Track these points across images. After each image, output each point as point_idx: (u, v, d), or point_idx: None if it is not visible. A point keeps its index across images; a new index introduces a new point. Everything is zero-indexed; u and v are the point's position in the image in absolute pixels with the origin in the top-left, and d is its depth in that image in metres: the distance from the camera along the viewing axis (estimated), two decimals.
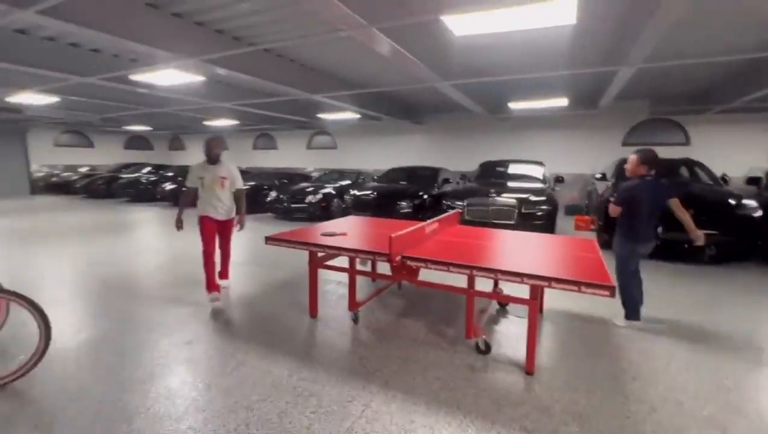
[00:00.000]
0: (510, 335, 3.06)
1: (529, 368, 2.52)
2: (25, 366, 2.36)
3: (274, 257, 5.27)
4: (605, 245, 6.04)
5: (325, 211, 8.60)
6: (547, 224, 5.95)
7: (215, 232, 3.81)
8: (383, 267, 3.17)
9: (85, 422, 2.02)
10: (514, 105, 8.76)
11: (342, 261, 3.23)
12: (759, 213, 5.33)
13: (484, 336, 2.78)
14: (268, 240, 3.29)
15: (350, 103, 8.70)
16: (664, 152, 9.56)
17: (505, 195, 6.24)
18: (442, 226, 3.66)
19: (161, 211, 10.69)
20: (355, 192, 8.07)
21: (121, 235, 7.19)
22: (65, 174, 15.62)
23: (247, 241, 6.64)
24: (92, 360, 2.66)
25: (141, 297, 3.92)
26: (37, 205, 12.07)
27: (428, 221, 3.28)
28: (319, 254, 3.25)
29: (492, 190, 6.39)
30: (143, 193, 12.72)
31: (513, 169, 8.04)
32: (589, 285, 2.14)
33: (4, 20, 3.92)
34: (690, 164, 7.09)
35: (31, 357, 2.36)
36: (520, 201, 5.97)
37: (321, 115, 11.05)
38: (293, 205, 8.81)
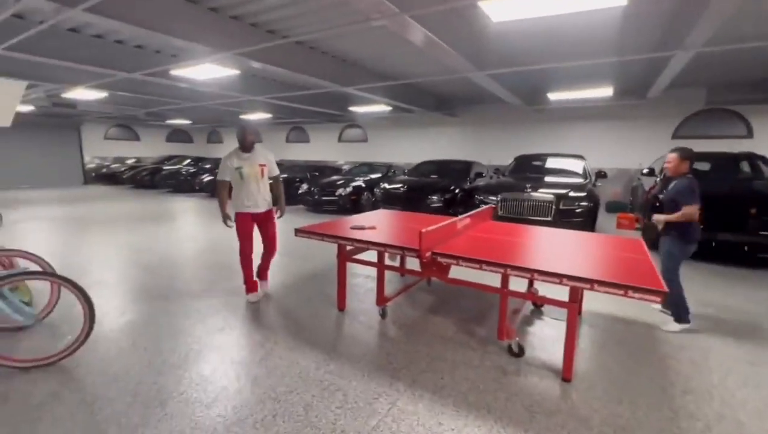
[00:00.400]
0: (545, 338, 2.91)
1: (566, 374, 2.38)
2: (72, 346, 2.50)
3: (305, 249, 5.33)
4: (653, 246, 5.67)
5: (354, 204, 8.62)
6: (586, 221, 5.63)
7: (253, 229, 3.53)
8: (412, 263, 3.10)
9: (124, 402, 2.11)
10: (553, 95, 8.33)
11: (370, 255, 3.19)
12: None
13: (517, 338, 2.65)
14: (298, 232, 3.30)
15: (381, 95, 8.61)
16: (723, 145, 8.91)
17: (541, 190, 5.96)
18: (475, 222, 3.53)
19: (200, 201, 11.15)
20: (385, 185, 8.01)
21: (162, 224, 7.56)
22: (114, 165, 16.64)
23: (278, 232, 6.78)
24: (132, 343, 2.79)
25: (179, 283, 4.08)
26: (88, 194, 12.95)
27: (460, 216, 3.17)
28: (348, 247, 3.23)
29: (528, 185, 6.12)
30: (183, 184, 13.31)
31: (550, 163, 7.66)
32: (637, 289, 1.97)
33: (56, 18, 4.15)
34: (753, 158, 6.46)
35: (77, 338, 2.50)
36: (558, 196, 5.68)
37: (352, 108, 11.05)
38: (324, 198, 8.90)
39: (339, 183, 9.13)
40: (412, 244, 2.63)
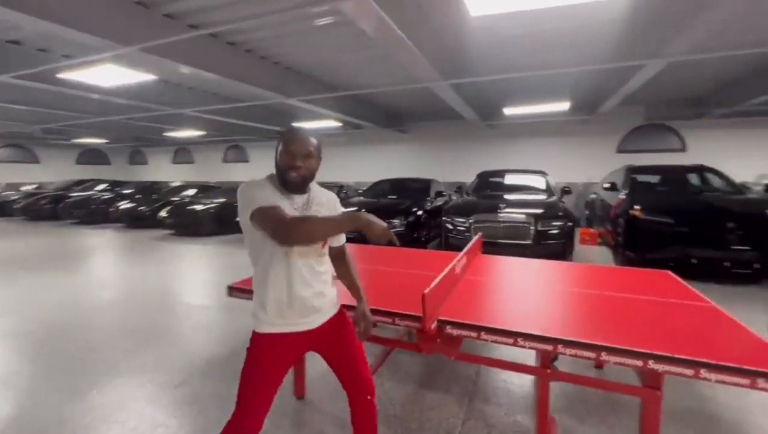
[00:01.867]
0: (598, 428, 2.15)
1: None
2: None
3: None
4: (628, 262, 5.41)
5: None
6: (567, 243, 5.17)
7: (286, 371, 1.45)
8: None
9: None
10: (509, 110, 8.09)
11: None
12: None
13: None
14: (233, 291, 2.27)
15: (329, 108, 7.78)
16: (661, 159, 9.29)
17: (516, 210, 5.43)
18: (469, 259, 2.75)
19: (114, 234, 9.29)
20: None
21: (59, 268, 5.88)
22: (5, 193, 13.79)
23: (207, 273, 5.52)
24: None
25: (85, 360, 2.77)
26: None
27: (457, 257, 2.36)
28: None
29: (501, 205, 5.57)
30: (95, 214, 11.19)
31: (515, 179, 7.29)
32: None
33: None
34: (703, 170, 6.56)
35: None
36: (536, 217, 5.17)
37: (297, 124, 10.06)
38: None
39: None
40: (400, 303, 1.79)
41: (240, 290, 2.24)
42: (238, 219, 1.39)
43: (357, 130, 11.18)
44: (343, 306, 1.62)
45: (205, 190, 11.36)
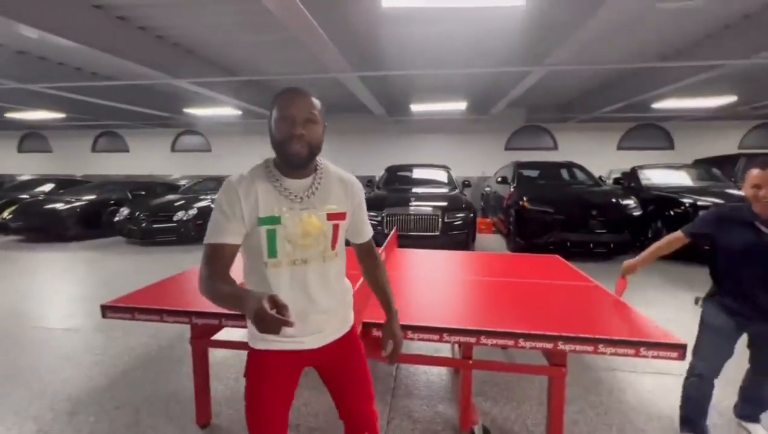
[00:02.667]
0: (510, 406, 2.30)
1: None
2: None
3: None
4: (519, 247, 6.09)
5: (201, 230, 6.75)
6: (470, 233, 5.58)
7: (293, 393, 1.21)
8: None
9: None
10: (415, 106, 8.39)
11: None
12: (639, 212, 5.87)
13: (481, 422, 1.94)
14: (108, 311, 1.84)
15: (227, 94, 7.07)
16: (539, 156, 10.71)
17: (424, 203, 5.66)
18: (387, 254, 2.73)
19: None
20: None
21: None
22: None
23: (73, 287, 4.56)
24: None
25: None
26: None
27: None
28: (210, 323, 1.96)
29: (412, 199, 5.74)
30: None
31: (421, 173, 7.61)
32: (651, 345, 1.49)
33: None
34: (571, 166, 7.72)
35: None
36: (443, 209, 5.46)
37: (189, 110, 8.94)
38: (156, 225, 6.71)
39: (177, 204, 7.07)
40: None
41: (117, 309, 1.82)
42: None
43: (260, 120, 10.43)
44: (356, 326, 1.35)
45: (68, 184, 9.42)
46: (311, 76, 6.13)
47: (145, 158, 13.17)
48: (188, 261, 4.67)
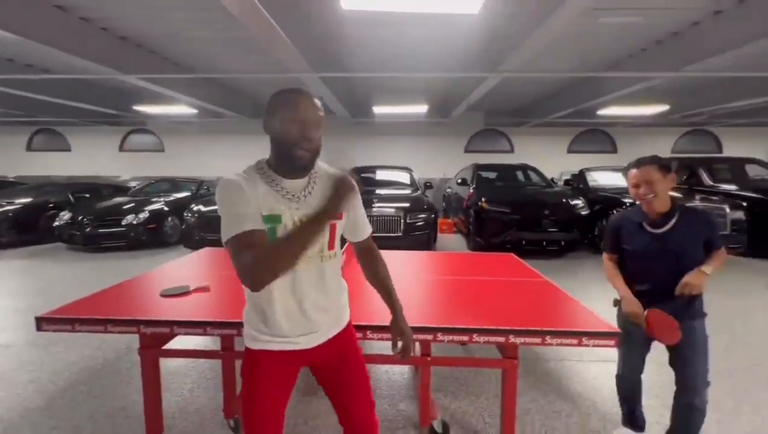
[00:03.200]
0: (469, 400, 2.38)
1: None
2: None
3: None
4: (478, 246, 6.31)
5: (153, 235, 6.41)
6: (431, 233, 5.71)
7: (289, 394, 1.20)
8: None
9: None
10: (378, 109, 8.45)
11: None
12: (586, 211, 6.29)
13: (440, 417, 2.00)
14: (43, 323, 1.70)
15: (182, 92, 6.75)
16: (496, 159, 11.15)
17: (387, 204, 5.72)
18: (349, 256, 2.73)
19: None
20: (200, 207, 6.25)
21: None
22: None
23: (3, 299, 4.16)
24: None
25: None
26: None
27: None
28: (159, 331, 1.87)
29: (375, 200, 5.78)
30: None
31: (384, 175, 7.68)
32: (592, 334, 1.61)
33: None
34: (526, 169, 8.12)
35: None
36: (405, 210, 5.54)
37: (140, 108, 8.43)
38: (102, 230, 6.26)
39: (126, 206, 6.65)
40: None
41: (54, 321, 1.69)
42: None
43: (218, 118, 10.04)
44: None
45: None
46: (271, 76, 6.01)
47: (90, 158, 12.25)
48: (138, 268, 4.38)
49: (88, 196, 8.01)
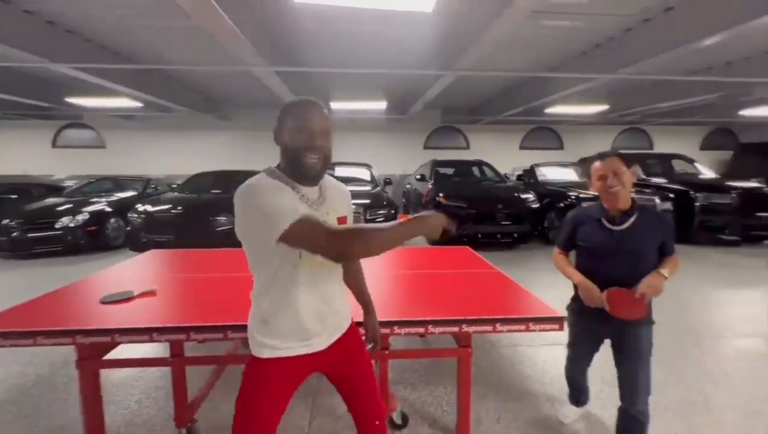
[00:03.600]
0: (428, 390, 2.43)
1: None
2: None
3: None
4: (436, 242, 6.40)
5: (94, 238, 5.94)
6: None
7: (286, 405, 1.18)
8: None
9: None
10: (336, 104, 8.36)
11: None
12: (537, 204, 6.64)
13: (399, 408, 2.03)
14: None
15: (124, 83, 6.28)
16: (454, 155, 11.46)
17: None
18: None
19: None
20: (147, 207, 5.87)
21: None
22: None
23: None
24: None
25: None
26: None
27: None
28: (101, 340, 1.74)
29: None
30: None
31: (342, 171, 7.64)
32: (538, 320, 1.71)
33: None
34: (481, 164, 8.42)
35: None
36: (365, 206, 5.56)
37: (74, 100, 7.73)
38: (33, 234, 5.70)
39: (62, 208, 6.09)
40: (231, 313, 1.59)
41: None
42: (237, 232, 1.09)
43: (165, 113, 9.44)
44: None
45: None
46: (223, 68, 5.76)
47: (17, 155, 11.06)
48: (77, 274, 4.04)
49: (15, 196, 7.26)
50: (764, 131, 12.23)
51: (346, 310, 1.29)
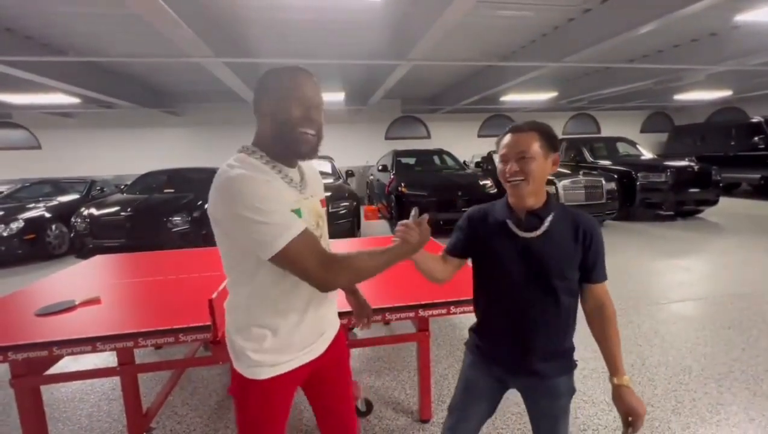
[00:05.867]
0: (392, 376, 2.48)
1: (424, 415, 2.01)
2: None
3: None
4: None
5: (33, 246, 5.48)
6: (354, 222, 5.75)
7: (289, 410, 1.06)
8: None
9: None
10: None
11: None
12: (494, 190, 6.87)
13: (363, 396, 2.07)
14: None
15: (56, 78, 5.78)
16: (415, 144, 11.58)
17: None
18: None
19: None
20: (92, 210, 5.47)
21: None
22: None
23: None
24: None
25: None
26: None
27: None
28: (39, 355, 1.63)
29: None
30: None
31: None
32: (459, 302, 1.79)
33: None
34: (441, 153, 8.58)
35: None
36: (327, 199, 5.48)
37: (3, 97, 7.02)
38: None
39: None
40: (184, 315, 1.55)
41: None
42: (216, 236, 0.96)
43: (107, 108, 8.81)
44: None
45: None
46: (168, 60, 5.44)
47: None
48: (12, 287, 3.71)
49: None
50: (695, 114, 13.35)
51: (335, 306, 1.19)
